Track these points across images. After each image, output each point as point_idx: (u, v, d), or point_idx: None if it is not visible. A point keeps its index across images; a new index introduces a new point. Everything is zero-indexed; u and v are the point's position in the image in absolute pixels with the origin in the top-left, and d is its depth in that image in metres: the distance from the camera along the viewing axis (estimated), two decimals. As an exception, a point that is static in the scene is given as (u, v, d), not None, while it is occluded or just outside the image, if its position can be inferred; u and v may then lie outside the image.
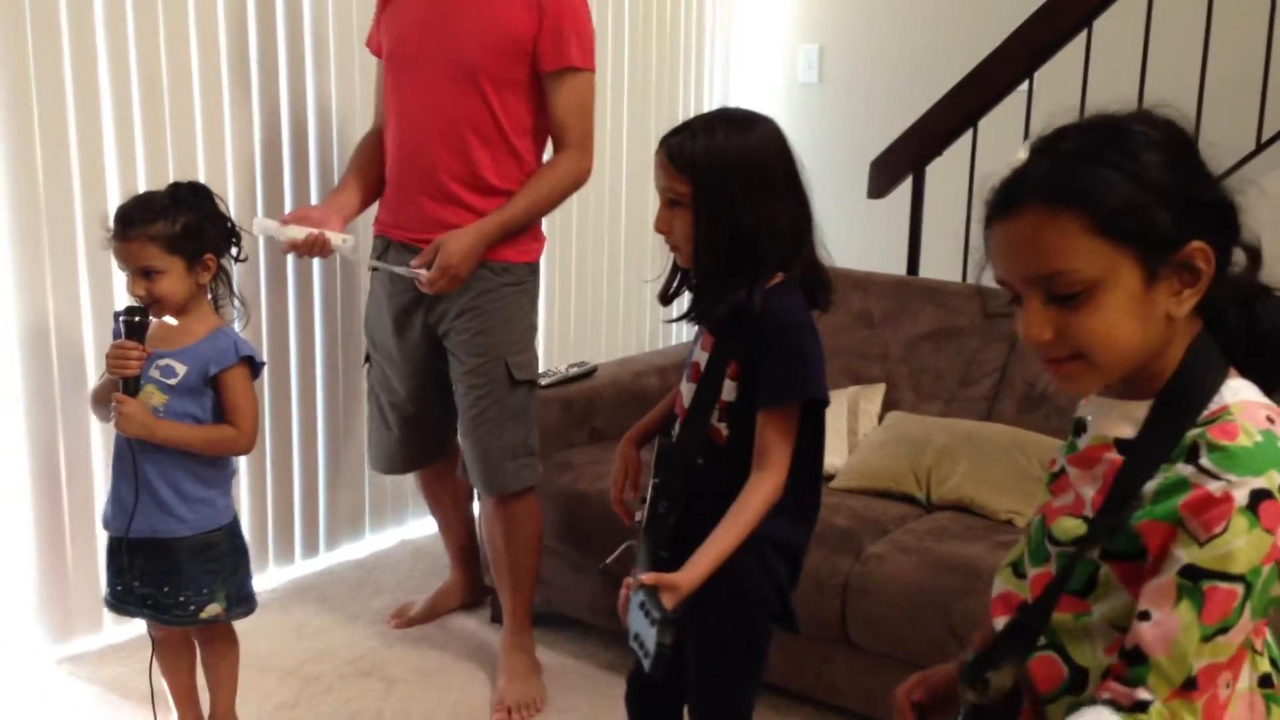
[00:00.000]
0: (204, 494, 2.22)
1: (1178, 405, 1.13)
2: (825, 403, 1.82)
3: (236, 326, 2.31)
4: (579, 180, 2.56)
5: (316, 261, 3.16)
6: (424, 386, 2.72)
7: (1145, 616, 1.08)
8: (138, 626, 2.82)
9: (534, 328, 2.68)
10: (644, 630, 1.59)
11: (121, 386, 2.13)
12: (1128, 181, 1.08)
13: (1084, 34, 3.13)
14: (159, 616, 2.25)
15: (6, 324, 2.59)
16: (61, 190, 2.62)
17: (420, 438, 2.83)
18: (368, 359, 2.82)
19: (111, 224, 2.17)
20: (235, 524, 2.30)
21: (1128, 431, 1.16)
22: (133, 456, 2.17)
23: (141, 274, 2.14)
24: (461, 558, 3.05)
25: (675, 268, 1.86)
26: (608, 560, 1.69)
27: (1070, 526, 1.19)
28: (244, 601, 2.30)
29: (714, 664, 1.89)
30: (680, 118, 4.08)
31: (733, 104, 4.38)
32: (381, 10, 2.64)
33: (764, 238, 1.72)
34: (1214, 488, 1.05)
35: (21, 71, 2.52)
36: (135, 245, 2.13)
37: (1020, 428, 2.77)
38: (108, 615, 2.81)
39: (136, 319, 2.13)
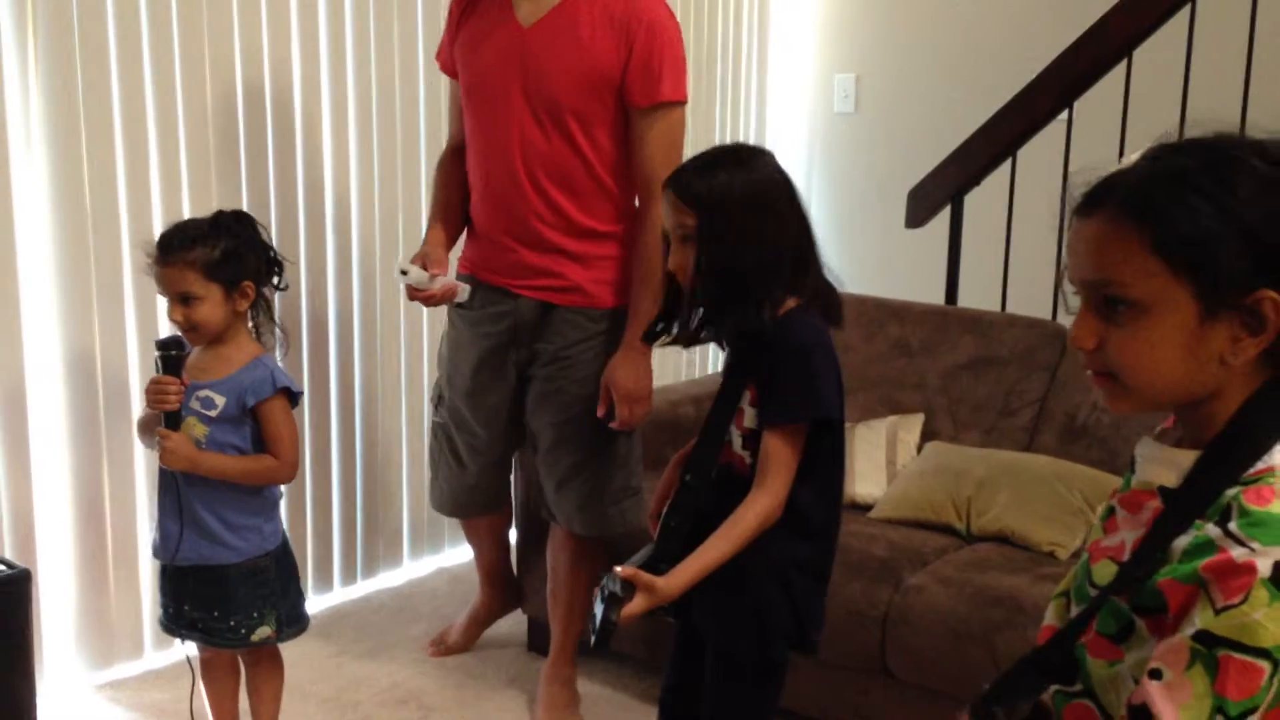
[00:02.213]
0: (249, 521, 2.24)
1: (1223, 460, 1.07)
2: (834, 423, 1.83)
3: (277, 355, 2.33)
4: None
5: (357, 290, 3.20)
6: (508, 428, 2.64)
7: (1157, 675, 1.02)
8: (178, 652, 2.84)
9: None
10: (598, 607, 1.67)
11: (164, 421, 2.15)
12: (1210, 211, 1.03)
13: (1124, 63, 3.11)
14: (210, 640, 2.28)
15: (52, 351, 2.63)
16: (108, 219, 2.66)
17: (498, 481, 2.76)
18: (440, 398, 2.72)
19: (154, 249, 2.20)
20: (284, 546, 2.32)
21: (1172, 480, 1.11)
22: (177, 488, 2.20)
23: (180, 299, 2.15)
24: (491, 578, 2.99)
25: (666, 304, 1.92)
26: (618, 569, 1.71)
27: (1107, 571, 1.15)
28: (295, 622, 2.33)
29: (731, 687, 1.90)
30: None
31: (769, 134, 4.41)
32: (456, 28, 2.51)
33: (769, 263, 1.79)
34: (1237, 554, 1.00)
35: (70, 100, 2.57)
36: (174, 270, 2.15)
37: (1061, 459, 2.75)
38: (149, 641, 2.84)
39: (173, 353, 2.15)
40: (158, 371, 2.16)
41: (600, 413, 2.45)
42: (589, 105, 2.35)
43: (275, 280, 2.29)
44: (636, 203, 2.48)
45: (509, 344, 2.53)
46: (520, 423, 2.62)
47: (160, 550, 2.26)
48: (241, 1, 2.83)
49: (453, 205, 2.58)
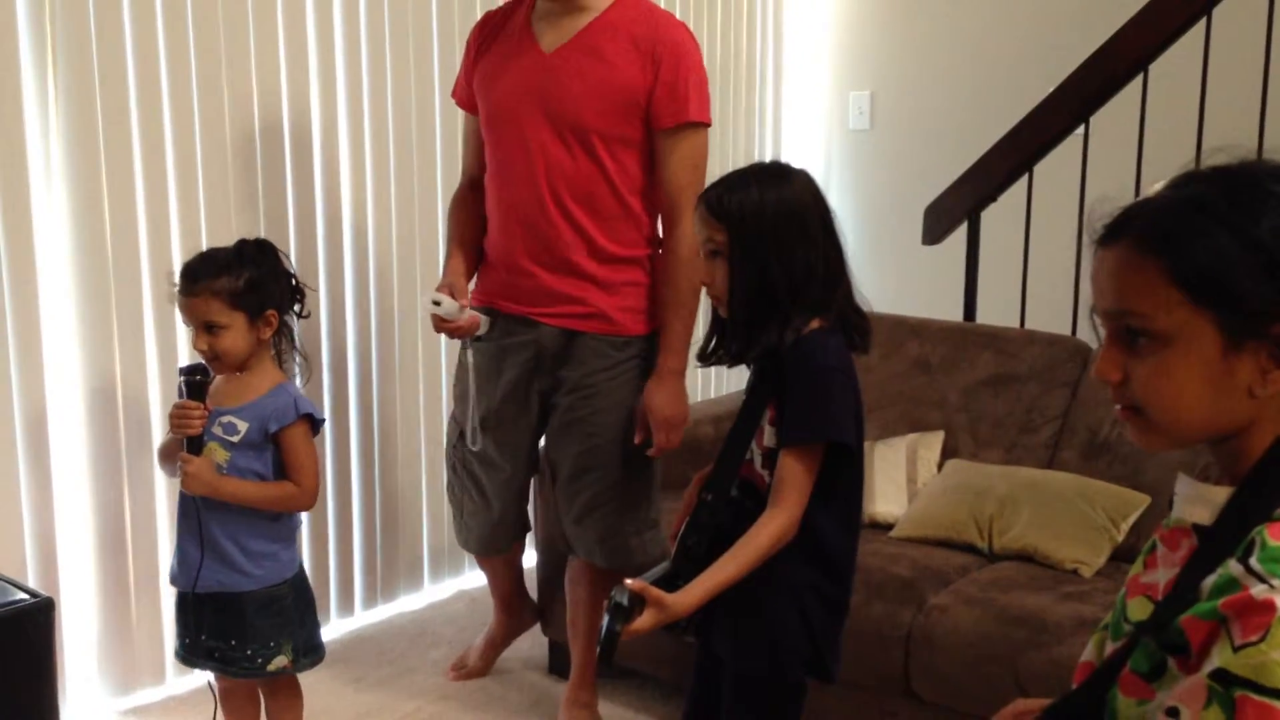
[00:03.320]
0: (268, 548, 2.24)
1: (1256, 496, 1.04)
2: (848, 447, 1.82)
3: (299, 381, 2.34)
4: None
5: (375, 317, 3.21)
6: (530, 456, 2.62)
7: (1174, 714, 1.00)
8: (200, 678, 2.83)
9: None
10: (604, 621, 1.66)
11: (185, 445, 2.16)
12: (1232, 241, 1.01)
13: (1140, 78, 3.11)
14: (226, 669, 2.27)
15: (73, 380, 2.64)
16: (128, 248, 2.68)
17: (521, 513, 2.72)
18: (460, 434, 2.65)
19: (177, 279, 2.21)
20: (301, 576, 2.32)
21: (1206, 517, 1.08)
22: (198, 513, 2.20)
23: (204, 329, 2.17)
24: (506, 602, 2.96)
25: (714, 324, 1.91)
26: (628, 581, 1.71)
27: (1141, 608, 1.14)
28: (312, 652, 2.32)
29: (748, 710, 1.89)
30: (731, 165, 4.12)
31: (784, 151, 4.41)
32: (473, 64, 2.50)
33: (798, 282, 1.78)
34: (1257, 591, 0.97)
35: (90, 132, 2.58)
36: (199, 300, 2.16)
37: (1084, 475, 2.73)
38: (170, 667, 2.84)
39: (198, 378, 2.16)
40: (181, 396, 2.17)
41: (637, 439, 2.43)
42: (615, 127, 2.34)
43: (297, 308, 2.30)
44: (660, 229, 2.48)
45: (533, 373, 2.51)
46: (537, 452, 2.61)
47: (179, 577, 2.26)
48: (259, 34, 2.85)
49: (469, 238, 2.55)
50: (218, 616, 2.24)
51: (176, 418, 2.16)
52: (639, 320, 2.46)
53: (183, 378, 2.17)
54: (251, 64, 2.85)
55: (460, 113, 2.66)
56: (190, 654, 2.30)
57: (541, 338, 2.48)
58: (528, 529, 2.81)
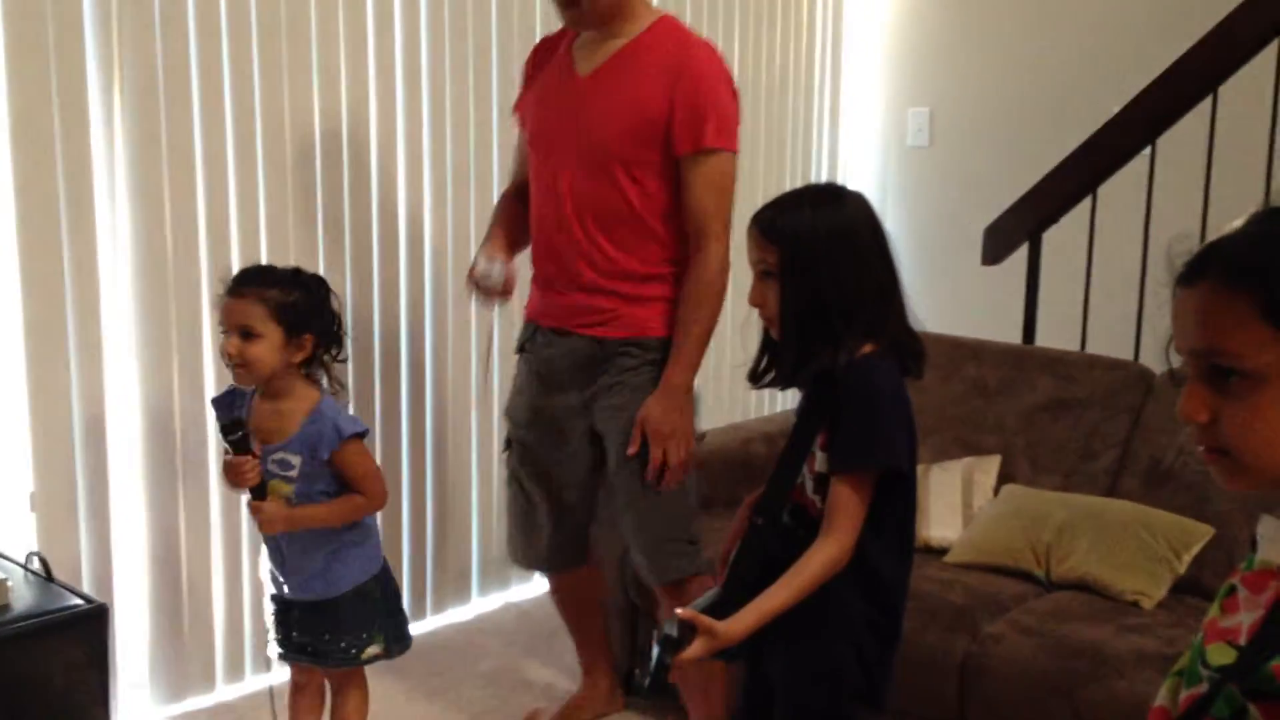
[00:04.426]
0: (352, 551, 2.28)
1: None
2: (900, 473, 1.79)
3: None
4: (727, 274, 2.40)
5: (429, 327, 3.22)
6: (584, 470, 2.57)
7: None
8: (250, 685, 2.87)
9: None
10: (655, 649, 1.64)
11: (251, 495, 2.17)
12: None
13: (1210, 99, 3.04)
14: (320, 661, 2.31)
15: (131, 392, 2.67)
16: (188, 266, 2.70)
17: (579, 530, 2.66)
18: (508, 444, 2.65)
19: (229, 280, 2.23)
20: (386, 568, 2.35)
21: None
22: (279, 545, 2.24)
23: (239, 333, 2.15)
24: (597, 663, 2.82)
25: (764, 346, 1.88)
26: (679, 611, 1.68)
27: (1222, 653, 1.10)
28: (401, 640, 2.36)
29: None
30: (787, 183, 4.10)
31: (841, 168, 4.38)
32: (529, 81, 2.57)
33: (850, 305, 1.75)
34: None
35: (153, 150, 2.62)
36: (243, 303, 2.16)
37: (1145, 504, 2.67)
38: (220, 674, 2.86)
39: (239, 434, 2.14)
40: (228, 455, 2.16)
41: (630, 452, 2.39)
42: (637, 153, 2.35)
43: (335, 351, 2.28)
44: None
45: (571, 383, 2.50)
46: (597, 473, 2.56)
47: (272, 587, 2.31)
48: (321, 52, 2.88)
49: (508, 228, 2.56)
50: (308, 616, 2.28)
51: (231, 476, 2.17)
52: (666, 324, 2.43)
53: (224, 436, 2.15)
54: (314, 80, 2.88)
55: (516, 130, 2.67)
56: (281, 649, 2.34)
57: (575, 347, 2.48)
58: (587, 558, 2.71)
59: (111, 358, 2.62)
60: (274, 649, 2.35)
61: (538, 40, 2.67)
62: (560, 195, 2.42)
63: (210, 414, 2.74)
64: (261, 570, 2.34)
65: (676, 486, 2.42)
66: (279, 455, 2.20)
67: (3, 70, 2.37)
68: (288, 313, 2.16)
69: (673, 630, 1.63)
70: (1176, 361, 1.09)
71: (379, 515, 2.32)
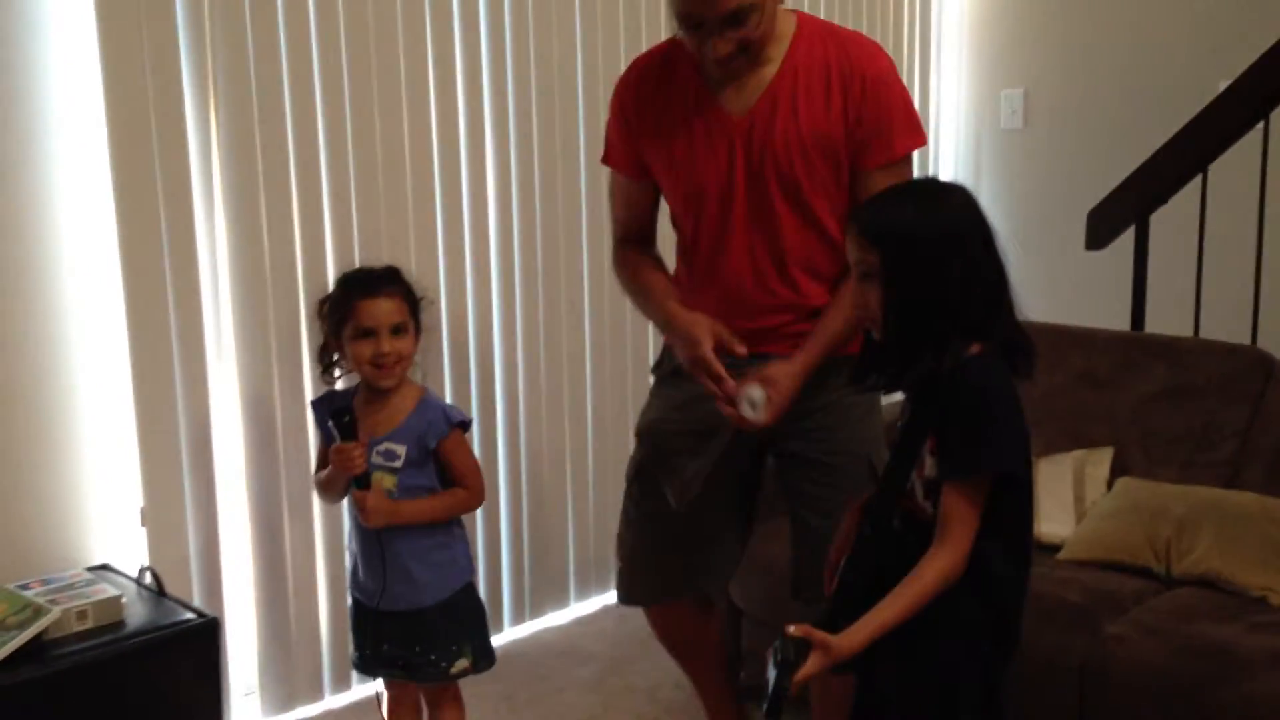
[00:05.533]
0: (446, 555, 2.28)
1: None
2: (1015, 477, 1.72)
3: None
4: None
5: (520, 325, 3.21)
6: (722, 496, 2.30)
7: None
8: (356, 693, 2.88)
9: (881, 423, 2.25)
10: (771, 673, 1.59)
11: (355, 484, 2.18)
12: None
13: (1325, 69, 2.91)
14: (412, 675, 2.31)
15: (232, 401, 2.70)
16: (285, 271, 2.72)
17: (701, 558, 2.36)
18: (642, 469, 2.33)
19: (348, 285, 2.25)
20: (472, 581, 2.35)
21: None
22: (378, 538, 2.23)
23: (392, 330, 2.19)
24: (722, 708, 2.55)
25: (866, 347, 1.82)
26: (791, 629, 1.63)
27: None
28: (487, 655, 2.36)
29: None
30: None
31: (932, 153, 4.28)
32: (633, 130, 2.20)
33: (956, 305, 1.68)
34: None
35: (249, 160, 2.64)
36: (392, 301, 2.20)
37: (1269, 496, 2.56)
38: (328, 682, 2.88)
39: (346, 419, 2.16)
40: (336, 440, 2.17)
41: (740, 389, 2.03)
42: (824, 178, 2.10)
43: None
44: None
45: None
46: (741, 498, 2.35)
47: (363, 597, 2.30)
48: (409, 62, 2.89)
49: (671, 284, 2.24)
50: (401, 626, 2.27)
51: (339, 462, 2.17)
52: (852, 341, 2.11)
53: (332, 421, 2.17)
54: (401, 85, 2.88)
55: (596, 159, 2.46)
56: (371, 664, 2.34)
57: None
58: (704, 588, 2.44)
59: (213, 371, 2.65)
60: (359, 661, 2.36)
61: (625, 61, 2.37)
62: (753, 247, 2.14)
63: (310, 419, 2.77)
64: (353, 582, 2.34)
65: None
66: (384, 446, 2.21)
67: (101, 89, 2.41)
68: (418, 310, 2.24)
69: (789, 652, 1.59)
70: None
71: (469, 522, 2.32)
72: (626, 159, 2.25)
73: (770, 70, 2.08)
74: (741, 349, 2.07)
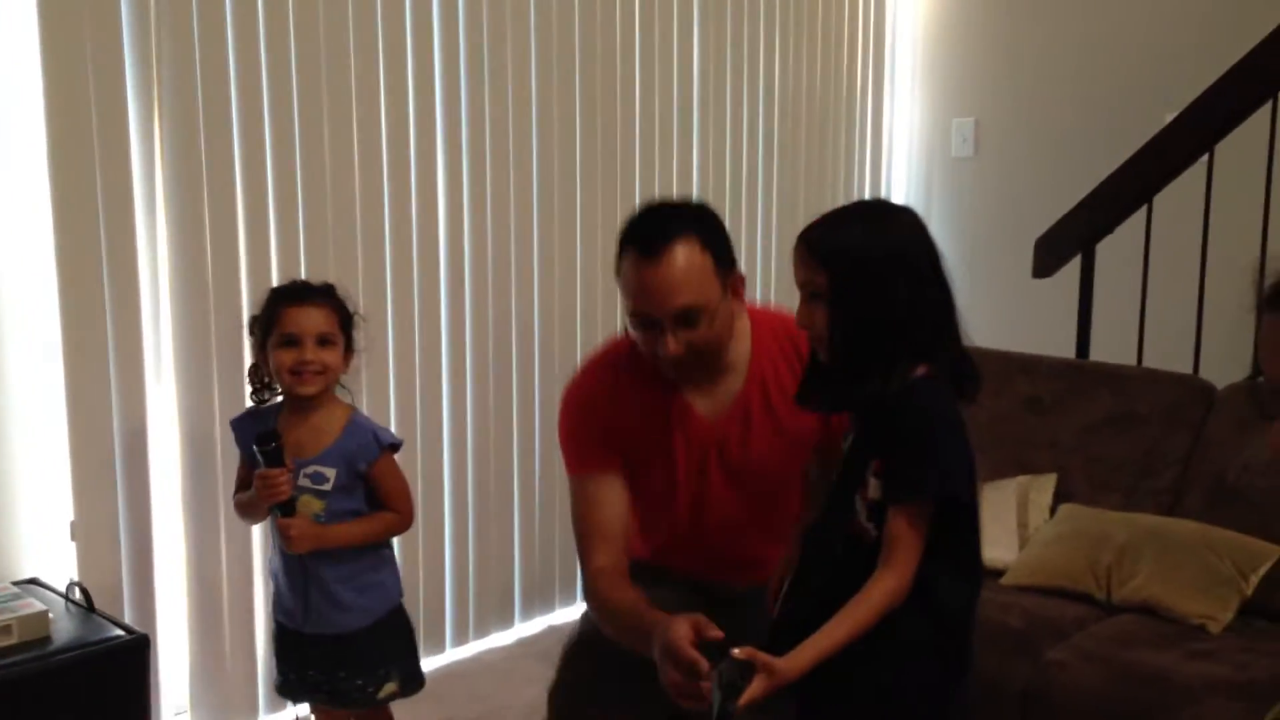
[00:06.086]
0: (375, 578, 2.23)
1: None
2: (959, 501, 1.71)
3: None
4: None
5: (470, 342, 3.19)
6: None
7: None
8: (292, 714, 2.82)
9: None
10: (715, 696, 1.56)
11: (280, 512, 2.12)
12: None
13: (1270, 104, 2.96)
14: (336, 701, 2.25)
15: (170, 418, 2.65)
16: (228, 288, 2.69)
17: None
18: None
19: (276, 294, 2.19)
20: (401, 604, 2.30)
21: None
22: (302, 563, 2.18)
23: (318, 340, 2.13)
24: None
25: (811, 367, 1.82)
26: (736, 651, 1.59)
27: None
28: (415, 678, 2.30)
29: None
30: (829, 196, 4.05)
31: (884, 180, 4.31)
32: (603, 438, 2.04)
33: (902, 326, 1.68)
34: None
35: (193, 170, 2.60)
36: (320, 310, 2.15)
37: (1210, 524, 2.58)
38: (263, 702, 2.83)
39: (272, 445, 2.09)
40: (260, 467, 2.10)
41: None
42: (803, 462, 2.09)
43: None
44: None
45: None
46: None
47: (287, 621, 2.24)
48: (360, 71, 2.86)
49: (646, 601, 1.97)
50: (326, 651, 2.21)
51: (264, 489, 2.10)
52: None
53: (257, 448, 2.09)
54: (352, 92, 2.86)
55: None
56: (295, 688, 2.28)
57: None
58: None
59: (151, 384, 2.59)
60: (283, 686, 2.30)
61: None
62: (750, 515, 2.10)
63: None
64: (276, 605, 2.28)
65: None
66: (313, 468, 2.15)
67: (41, 95, 2.36)
68: (348, 323, 2.19)
69: (734, 675, 1.57)
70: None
71: (411, 539, 2.26)
72: (604, 458, 2.05)
73: (736, 382, 2.04)
74: (718, 633, 1.73)
